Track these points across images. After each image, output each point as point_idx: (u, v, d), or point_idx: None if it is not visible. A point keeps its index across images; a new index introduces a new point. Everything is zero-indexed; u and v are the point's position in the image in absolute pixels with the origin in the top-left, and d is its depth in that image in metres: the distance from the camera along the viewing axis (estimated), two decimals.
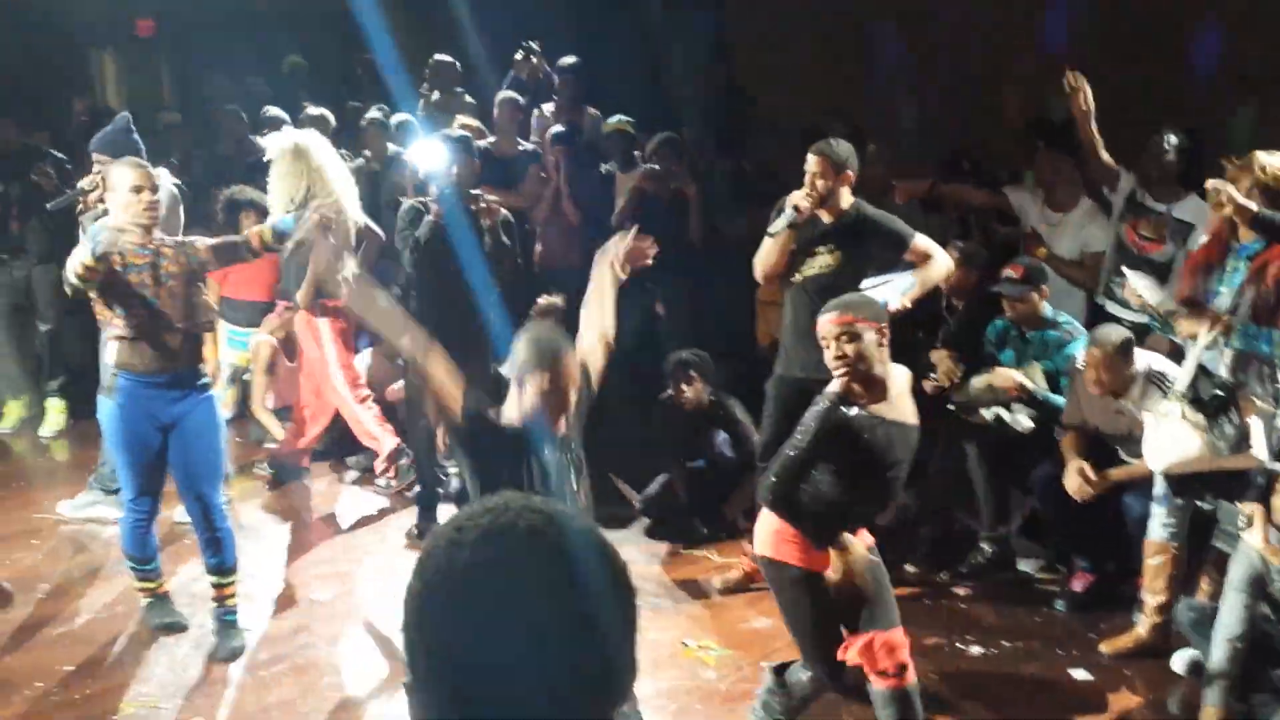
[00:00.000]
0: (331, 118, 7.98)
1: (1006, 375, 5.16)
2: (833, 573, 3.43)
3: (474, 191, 5.60)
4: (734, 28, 9.62)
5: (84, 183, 5.48)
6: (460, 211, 5.45)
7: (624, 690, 1.18)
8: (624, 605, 1.18)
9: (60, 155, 7.20)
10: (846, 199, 4.83)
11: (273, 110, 8.10)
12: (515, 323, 5.90)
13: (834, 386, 3.42)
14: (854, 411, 3.42)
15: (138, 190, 4.27)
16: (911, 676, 3.48)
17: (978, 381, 5.21)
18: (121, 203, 4.29)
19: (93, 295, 4.28)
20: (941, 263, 4.82)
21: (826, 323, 3.47)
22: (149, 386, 4.32)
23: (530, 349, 3.13)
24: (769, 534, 3.57)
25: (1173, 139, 5.39)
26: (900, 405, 3.49)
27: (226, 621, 4.58)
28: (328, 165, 5.69)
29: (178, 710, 4.14)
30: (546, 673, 1.10)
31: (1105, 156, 5.46)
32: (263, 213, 6.84)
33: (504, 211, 5.69)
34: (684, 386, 5.72)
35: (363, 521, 6.03)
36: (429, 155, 5.57)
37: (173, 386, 4.36)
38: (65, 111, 8.44)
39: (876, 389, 3.45)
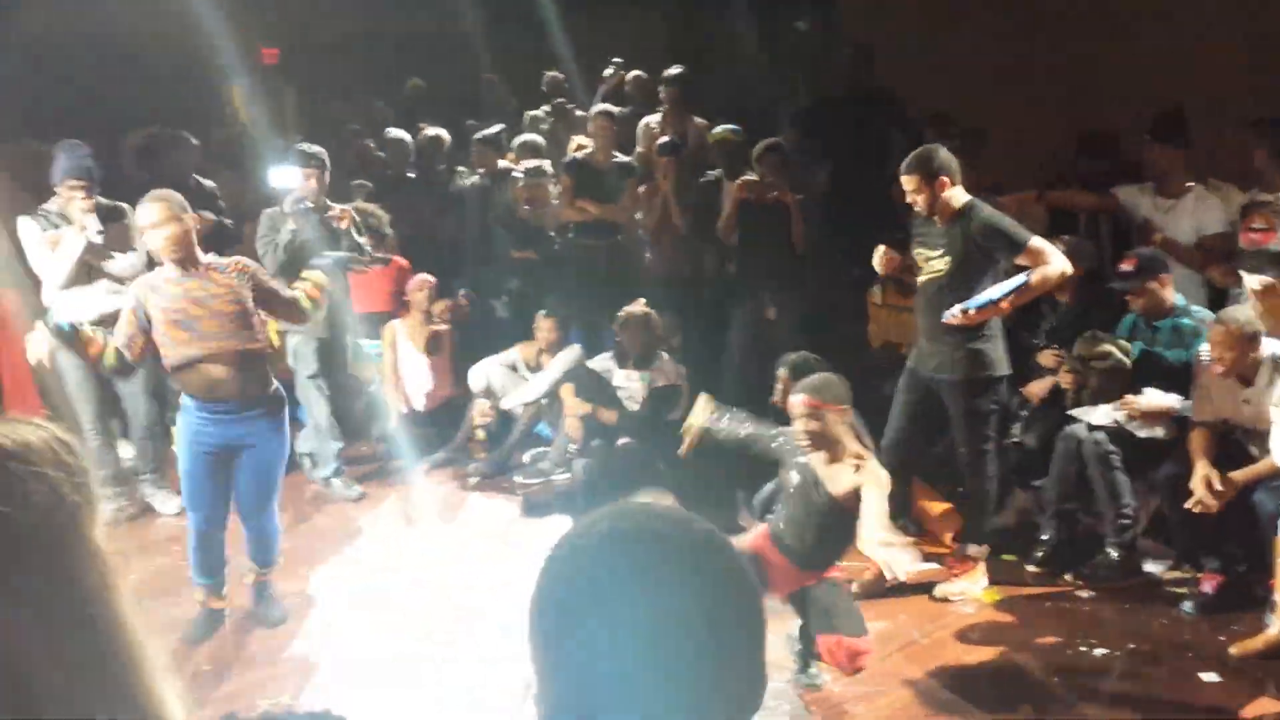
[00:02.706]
0: (446, 136, 8.22)
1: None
2: None
3: (326, 200, 6.25)
4: (851, 29, 9.59)
5: None
6: (314, 218, 6.04)
7: (753, 701, 1.14)
8: (750, 612, 1.15)
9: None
10: (958, 200, 4.87)
11: (394, 132, 8.37)
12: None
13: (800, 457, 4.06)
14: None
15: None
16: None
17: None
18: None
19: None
20: (1057, 265, 4.75)
21: (795, 402, 4.02)
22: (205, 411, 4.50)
23: None
24: None
25: (1273, 125, 5.25)
26: (834, 476, 4.00)
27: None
28: None
29: (310, 707, 4.26)
30: (670, 680, 1.07)
31: (1092, 201, 5.99)
32: (377, 233, 7.12)
33: (354, 215, 6.24)
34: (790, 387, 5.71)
35: (483, 526, 6.18)
36: (283, 172, 6.10)
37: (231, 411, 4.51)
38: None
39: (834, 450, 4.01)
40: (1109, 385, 5.17)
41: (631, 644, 1.07)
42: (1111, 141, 6.55)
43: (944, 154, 4.91)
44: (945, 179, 4.83)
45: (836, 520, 4.00)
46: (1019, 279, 4.74)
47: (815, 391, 3.98)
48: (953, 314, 4.75)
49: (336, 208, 6.27)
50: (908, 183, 4.88)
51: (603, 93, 8.69)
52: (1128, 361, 5.18)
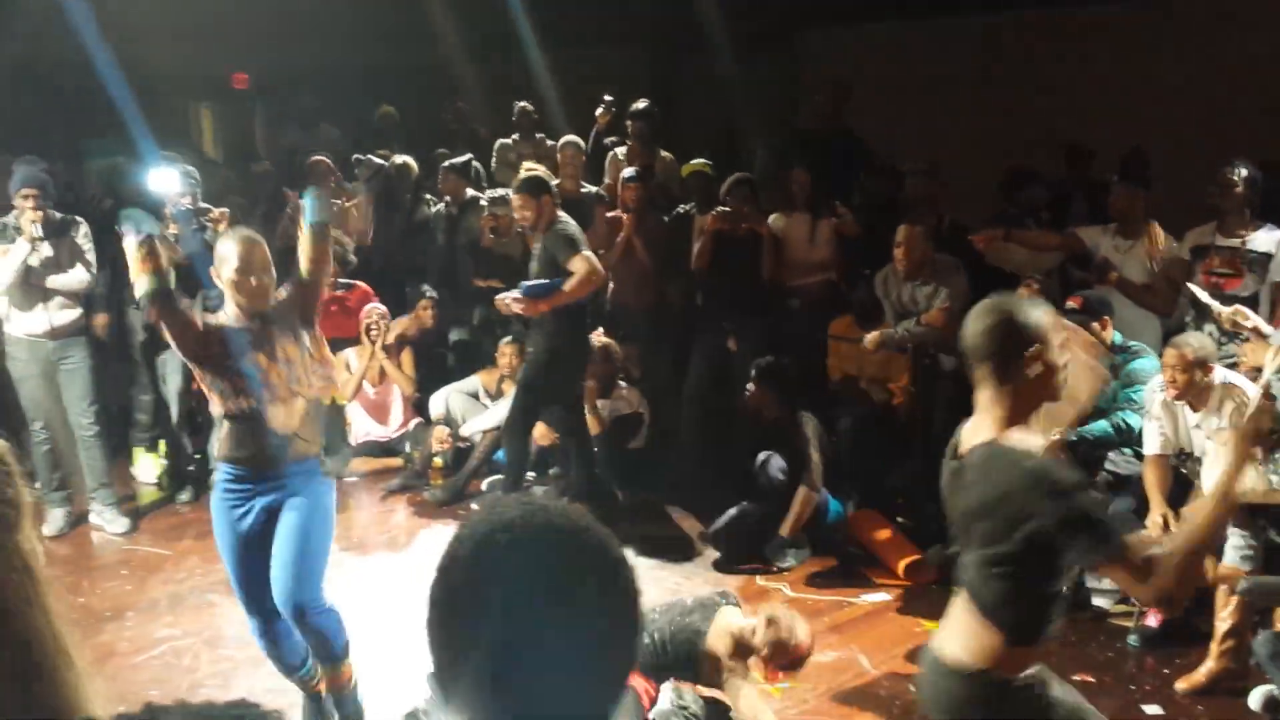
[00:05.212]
0: (414, 164, 8.25)
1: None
2: None
3: (203, 205, 6.54)
4: (809, 72, 9.77)
5: None
6: (193, 225, 6.37)
7: (620, 682, 1.22)
8: (631, 598, 1.23)
9: None
10: (547, 219, 5.91)
11: (375, 160, 8.41)
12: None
13: None
14: None
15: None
16: None
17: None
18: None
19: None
20: (588, 276, 5.78)
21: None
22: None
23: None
24: None
25: (1241, 170, 5.33)
26: None
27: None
28: None
29: None
30: (532, 650, 1.14)
31: (1055, 240, 5.99)
32: (340, 260, 7.14)
33: (225, 222, 6.44)
34: (763, 391, 5.85)
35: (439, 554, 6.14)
36: (163, 179, 6.17)
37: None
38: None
39: None
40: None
41: (505, 623, 1.14)
42: (1035, 179, 6.71)
43: (540, 179, 6.11)
44: (548, 198, 5.91)
45: None
46: (555, 281, 5.79)
47: None
48: (504, 299, 5.98)
49: (215, 211, 6.47)
50: (517, 200, 5.99)
51: (597, 129, 8.74)
52: None
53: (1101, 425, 5.14)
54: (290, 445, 3.79)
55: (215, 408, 3.84)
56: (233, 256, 3.73)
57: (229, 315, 3.80)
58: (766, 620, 3.86)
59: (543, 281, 5.86)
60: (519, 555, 1.17)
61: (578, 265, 5.80)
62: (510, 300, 5.95)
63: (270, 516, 3.82)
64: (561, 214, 6.02)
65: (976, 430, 2.54)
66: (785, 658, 3.89)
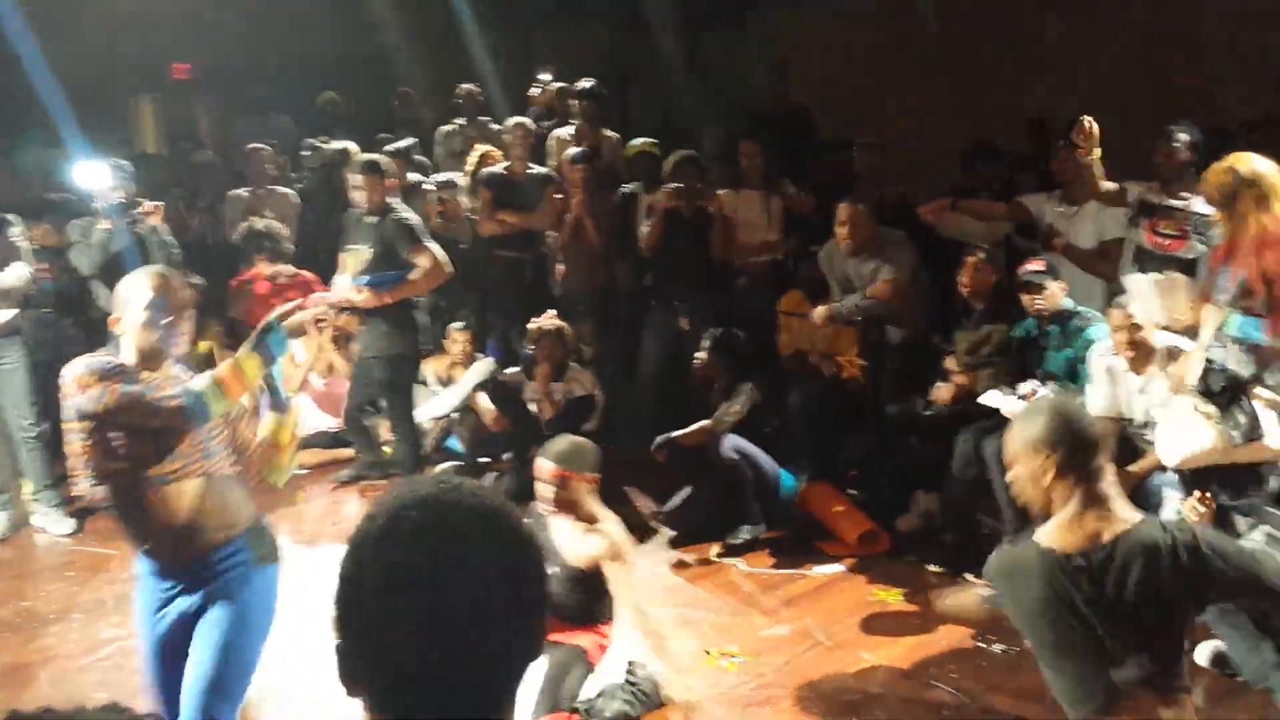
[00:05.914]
0: (355, 149, 8.14)
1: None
2: None
3: (136, 199, 6.46)
4: (756, 47, 9.76)
5: None
6: (125, 219, 6.32)
7: (526, 657, 1.24)
8: (531, 578, 1.26)
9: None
10: (387, 200, 6.01)
11: (324, 144, 8.32)
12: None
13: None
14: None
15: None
16: None
17: None
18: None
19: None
20: (433, 269, 5.96)
21: (543, 470, 3.99)
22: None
23: None
24: None
25: (1182, 134, 5.35)
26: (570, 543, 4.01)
27: None
28: None
29: None
30: (440, 627, 1.17)
31: (1106, 187, 5.49)
32: (275, 253, 7.02)
33: (159, 215, 6.48)
34: (714, 361, 5.93)
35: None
36: (92, 174, 6.25)
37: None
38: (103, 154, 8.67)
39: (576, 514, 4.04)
40: (1002, 371, 5.30)
41: (407, 597, 1.17)
42: (993, 151, 6.72)
43: (388, 161, 6.29)
44: (389, 180, 6.05)
45: (577, 582, 4.02)
46: (401, 274, 5.90)
47: (565, 461, 3.99)
48: (348, 295, 6.01)
49: (147, 204, 6.40)
50: (358, 180, 5.98)
51: (536, 111, 8.67)
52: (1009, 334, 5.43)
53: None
54: (191, 537, 3.07)
55: (84, 486, 3.03)
56: (145, 291, 3.07)
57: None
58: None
59: (389, 274, 5.93)
60: (428, 532, 1.19)
61: (423, 258, 5.89)
62: (353, 291, 5.97)
63: (187, 623, 3.12)
64: (398, 202, 6.10)
65: None
66: None
